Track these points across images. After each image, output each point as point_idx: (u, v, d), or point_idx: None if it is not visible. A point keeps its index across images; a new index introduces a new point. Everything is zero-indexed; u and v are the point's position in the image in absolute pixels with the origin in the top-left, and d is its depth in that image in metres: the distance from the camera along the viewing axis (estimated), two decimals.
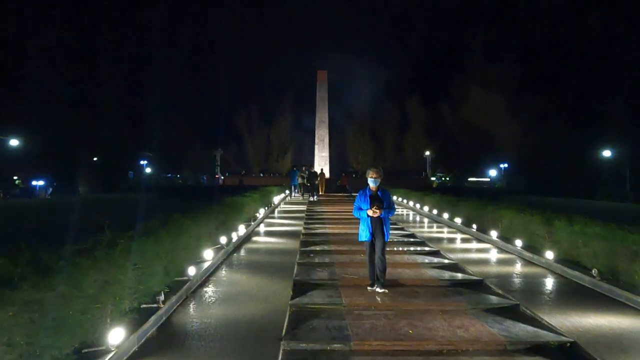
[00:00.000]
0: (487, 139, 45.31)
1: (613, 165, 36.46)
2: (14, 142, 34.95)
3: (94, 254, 4.13)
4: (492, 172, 55.51)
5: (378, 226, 6.04)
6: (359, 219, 6.18)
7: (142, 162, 54.28)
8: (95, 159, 44.57)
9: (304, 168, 26.15)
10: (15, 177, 44.67)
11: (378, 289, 5.97)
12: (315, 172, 26.35)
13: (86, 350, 3.76)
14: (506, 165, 49.90)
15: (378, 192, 6.14)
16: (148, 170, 56.34)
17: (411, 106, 53.46)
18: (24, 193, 39.44)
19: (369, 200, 6.06)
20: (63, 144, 37.88)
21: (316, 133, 42.98)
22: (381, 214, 5.97)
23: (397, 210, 18.94)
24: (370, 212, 5.97)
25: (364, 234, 6.09)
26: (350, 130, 55.49)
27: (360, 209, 6.12)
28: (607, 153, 36.54)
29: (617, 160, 35.95)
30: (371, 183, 6.13)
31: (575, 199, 25.63)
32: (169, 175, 61.00)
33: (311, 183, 24.23)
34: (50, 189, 40.70)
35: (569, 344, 4.39)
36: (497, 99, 42.86)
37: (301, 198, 24.50)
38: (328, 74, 43.23)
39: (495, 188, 45.97)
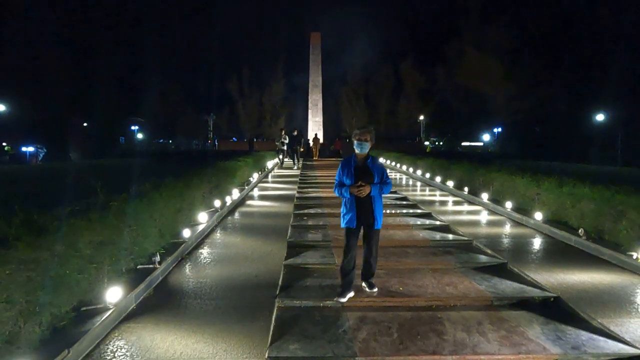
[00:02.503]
0: (482, 104, 45.11)
1: (606, 129, 36.64)
2: (0, 107, 34.24)
3: (88, 216, 4.15)
4: (486, 137, 55.67)
5: (366, 208, 4.42)
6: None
7: (133, 128, 53.62)
8: (85, 124, 43.91)
9: (282, 132, 21.36)
10: (4, 144, 44.07)
11: (367, 289, 4.64)
12: (298, 136, 22.52)
13: (85, 309, 3.86)
14: (500, 129, 49.96)
15: (367, 162, 4.50)
16: (140, 135, 55.74)
17: (405, 70, 52.70)
18: (14, 159, 39.02)
19: (353, 173, 4.44)
20: (53, 110, 37.14)
21: (309, 97, 42.50)
22: (371, 192, 4.35)
23: (390, 174, 19.04)
24: (355, 191, 4.33)
25: (345, 218, 4.48)
26: (344, 95, 54.86)
27: (342, 184, 4.49)
28: (600, 117, 36.63)
29: (610, 124, 36.11)
30: (358, 148, 4.48)
31: (568, 163, 25.86)
32: (161, 140, 60.48)
33: (292, 148, 21.37)
34: (41, 155, 40.26)
35: (552, 299, 4.56)
36: (492, 62, 42.27)
37: (281, 169, 20.81)
38: (322, 37, 42.27)
39: (488, 152, 46.23)
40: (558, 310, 4.35)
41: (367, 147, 4.49)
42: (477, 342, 3.62)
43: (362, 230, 4.59)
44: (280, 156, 21.41)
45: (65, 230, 3.72)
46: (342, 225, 4.55)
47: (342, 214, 4.57)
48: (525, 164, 17.45)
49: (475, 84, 43.66)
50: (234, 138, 56.32)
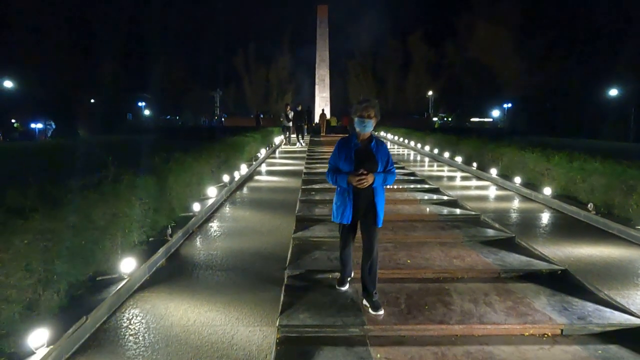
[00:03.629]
0: (491, 79, 44.32)
1: (619, 104, 35.92)
2: (7, 84, 34.31)
3: (101, 189, 4.21)
4: (495, 113, 54.91)
5: (366, 202, 3.68)
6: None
7: (140, 104, 53.59)
8: (92, 100, 43.94)
9: (287, 107, 19.70)
10: (13, 121, 44.32)
11: (371, 311, 3.65)
12: (304, 112, 21.40)
13: (100, 278, 3.96)
14: (510, 105, 49.20)
15: (371, 145, 3.68)
16: (147, 112, 55.74)
17: (414, 44, 51.71)
18: (24, 136, 39.33)
19: (353, 157, 3.63)
20: (59, 86, 37.14)
21: (316, 73, 42.02)
22: (374, 183, 3.58)
23: (397, 150, 18.99)
24: (354, 180, 3.55)
25: (338, 212, 3.75)
26: (351, 70, 54.16)
27: (337, 170, 3.70)
28: (613, 92, 35.86)
29: (623, 99, 35.37)
30: (359, 127, 3.64)
31: (579, 139, 25.54)
32: (168, 117, 60.45)
33: (297, 125, 20.21)
34: (50, 132, 40.51)
35: (560, 272, 4.60)
36: (503, 35, 41.32)
37: (287, 145, 20.00)
38: (329, 10, 41.39)
39: (497, 128, 45.69)
40: (565, 283, 4.38)
41: (371, 125, 3.63)
42: (484, 313, 3.68)
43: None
44: (287, 133, 20.48)
45: (79, 202, 3.79)
46: (335, 219, 3.79)
47: (335, 206, 3.80)
48: (535, 139, 17.27)
49: (486, 58, 42.82)
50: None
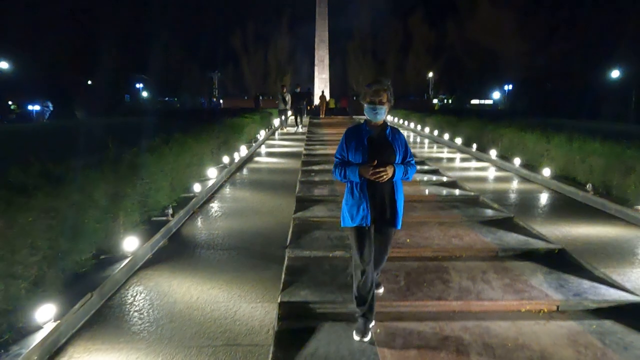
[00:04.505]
0: (492, 60, 43.87)
1: (620, 86, 35.69)
2: (3, 65, 33.91)
3: (102, 168, 4.23)
4: (496, 95, 54.56)
5: (384, 199, 3.05)
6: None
7: (138, 86, 53.10)
8: (90, 82, 43.50)
9: (284, 89, 18.18)
10: (9, 102, 43.96)
11: (356, 337, 3.05)
12: (303, 94, 20.06)
13: (104, 257, 4.01)
14: (510, 87, 48.86)
15: (386, 132, 3.07)
16: (144, 93, 55.27)
17: (414, 24, 50.95)
18: (21, 118, 39.06)
19: (366, 148, 3.00)
20: (56, 67, 36.72)
21: (316, 54, 41.54)
22: (394, 176, 2.96)
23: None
24: (369, 174, 2.90)
25: (352, 213, 3.06)
26: (350, 51, 53.48)
27: (346, 163, 3.06)
28: (615, 74, 35.59)
29: (624, 81, 35.13)
30: (370, 114, 3.03)
31: (579, 121, 25.44)
32: (167, 98, 59.97)
33: (296, 108, 18.70)
34: (48, 113, 40.24)
35: (557, 251, 4.66)
36: (505, 16, 40.72)
37: (283, 129, 18.67)
38: None
39: (497, 110, 45.48)
40: (562, 261, 4.44)
41: (384, 112, 3.03)
42: (482, 289, 3.74)
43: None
44: (282, 117, 18.57)
45: (81, 181, 3.81)
46: (347, 223, 3.10)
47: (345, 207, 3.11)
48: (535, 121, 17.21)
49: (487, 40, 42.28)
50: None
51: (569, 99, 38.20)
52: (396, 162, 3.04)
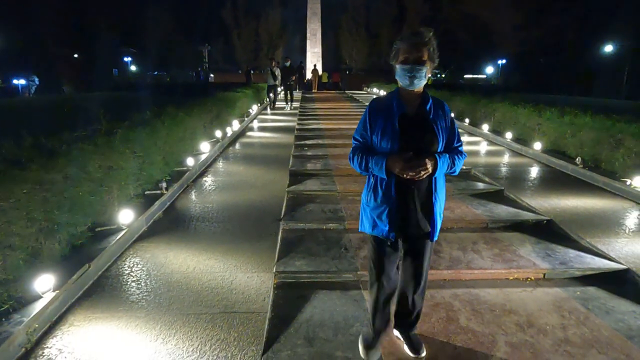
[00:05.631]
0: (486, 34, 43.41)
1: (613, 61, 35.65)
2: None
3: (95, 141, 4.21)
4: (489, 70, 54.28)
5: (420, 203, 2.29)
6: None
7: (126, 60, 51.95)
8: (76, 56, 42.42)
9: (273, 63, 16.78)
10: None
11: (409, 353, 2.57)
12: (294, 68, 18.40)
13: (100, 229, 4.04)
14: (504, 61, 48.58)
15: (426, 107, 2.27)
16: (133, 68, 54.15)
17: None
18: (6, 93, 38.18)
19: (398, 129, 2.20)
20: (42, 41, 35.69)
21: (308, 27, 40.83)
22: (435, 171, 2.20)
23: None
24: (401, 169, 2.14)
25: (372, 218, 2.36)
26: (343, 24, 52.54)
27: (368, 148, 2.31)
28: (608, 48, 35.49)
29: (618, 55, 35.07)
30: (405, 78, 2.21)
31: (572, 96, 25.50)
32: (156, 72, 58.79)
33: (286, 84, 16.99)
34: (34, 88, 39.38)
35: (545, 222, 4.77)
36: None
37: (272, 108, 17.03)
38: None
39: (491, 85, 45.33)
40: (550, 232, 4.56)
41: (424, 75, 2.19)
42: (472, 259, 3.85)
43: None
44: (271, 94, 17.01)
45: (75, 154, 3.80)
46: (365, 229, 2.41)
47: (365, 209, 2.39)
48: (528, 97, 17.24)
49: (481, 13, 41.72)
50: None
51: (563, 75, 38.15)
52: (439, 149, 2.22)
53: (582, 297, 3.34)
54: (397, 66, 2.21)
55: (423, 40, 2.19)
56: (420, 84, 2.21)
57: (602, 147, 6.62)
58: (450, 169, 2.28)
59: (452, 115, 2.39)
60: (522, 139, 9.01)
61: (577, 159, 6.88)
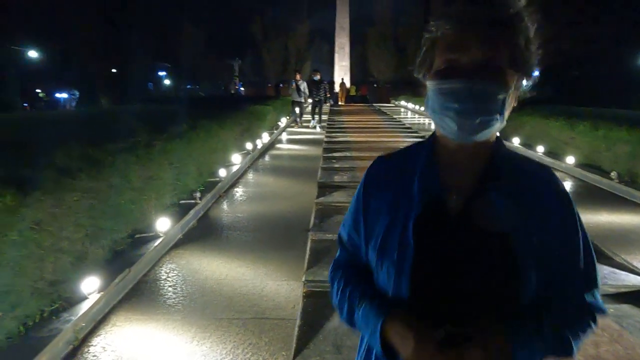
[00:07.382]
0: None
1: None
2: (32, 54, 34.93)
3: (136, 152, 4.45)
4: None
5: None
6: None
7: (160, 74, 53.88)
8: (114, 70, 44.34)
9: (297, 75, 15.21)
10: (38, 91, 45.24)
11: None
12: (320, 82, 15.51)
13: (138, 236, 4.26)
14: (535, 73, 47.63)
15: (496, 188, 0.87)
16: (167, 81, 56.08)
17: (436, 8, 49.89)
18: (49, 105, 40.24)
19: (411, 243, 0.87)
20: (81, 56, 37.57)
21: (336, 41, 41.33)
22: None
23: (419, 119, 18.63)
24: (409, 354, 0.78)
25: None
26: (370, 37, 52.87)
27: (356, 267, 1.05)
28: None
29: None
30: (447, 116, 0.85)
31: (607, 109, 24.69)
32: (189, 86, 60.65)
33: (314, 100, 15.13)
34: (75, 101, 41.33)
35: None
36: None
37: (298, 126, 15.40)
38: None
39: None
40: None
41: (499, 109, 0.86)
42: None
43: None
44: (297, 109, 15.31)
45: (118, 164, 4.04)
46: None
47: None
48: (560, 109, 16.86)
49: None
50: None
51: (598, 86, 37.02)
52: (522, 301, 0.87)
53: (615, 314, 3.27)
54: (429, 84, 0.93)
55: (499, 14, 0.90)
56: (487, 132, 0.89)
57: (638, 161, 6.44)
58: (558, 352, 0.87)
59: (575, 208, 0.99)
60: (554, 153, 8.83)
61: (612, 173, 6.71)
